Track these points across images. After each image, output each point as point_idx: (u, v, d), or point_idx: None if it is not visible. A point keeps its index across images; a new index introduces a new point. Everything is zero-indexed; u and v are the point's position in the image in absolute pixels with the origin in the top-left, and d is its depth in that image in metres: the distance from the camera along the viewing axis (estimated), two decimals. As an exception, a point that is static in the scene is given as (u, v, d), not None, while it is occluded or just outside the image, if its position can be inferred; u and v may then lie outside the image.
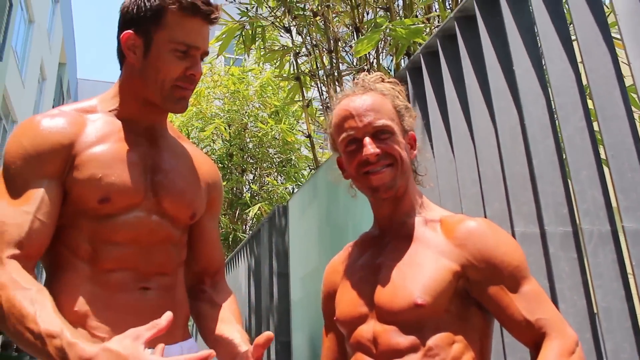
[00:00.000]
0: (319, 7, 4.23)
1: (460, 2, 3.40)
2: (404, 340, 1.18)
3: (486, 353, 1.24)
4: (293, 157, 9.71)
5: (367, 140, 1.26)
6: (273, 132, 9.35)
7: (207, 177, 1.58)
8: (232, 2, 4.78)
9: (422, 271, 1.21)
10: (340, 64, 4.36)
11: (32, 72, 16.88)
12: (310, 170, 9.44)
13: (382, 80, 1.38)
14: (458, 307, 1.21)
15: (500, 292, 1.18)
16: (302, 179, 9.72)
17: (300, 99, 4.73)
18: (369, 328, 1.24)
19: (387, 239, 1.33)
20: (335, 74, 4.29)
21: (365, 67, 4.16)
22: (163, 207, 1.42)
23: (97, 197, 1.32)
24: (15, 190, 1.29)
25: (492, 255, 1.19)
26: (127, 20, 1.39)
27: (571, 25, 1.71)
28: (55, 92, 21.32)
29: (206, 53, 1.42)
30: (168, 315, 1.17)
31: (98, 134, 1.38)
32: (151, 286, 1.39)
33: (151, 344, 1.33)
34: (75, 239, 1.35)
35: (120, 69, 1.46)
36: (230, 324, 1.47)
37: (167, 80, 1.37)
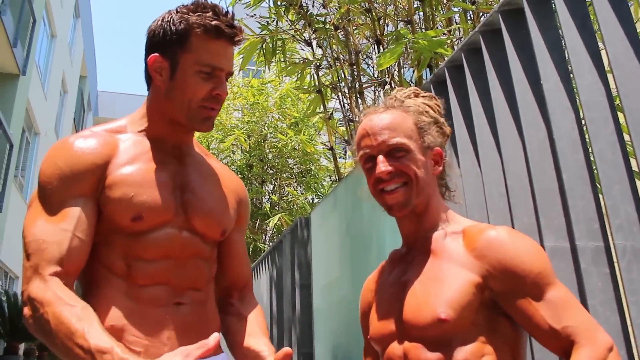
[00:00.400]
0: (340, 20, 4.25)
1: (483, 14, 3.40)
2: (431, 357, 1.18)
3: None
4: (313, 168, 9.72)
5: (380, 158, 1.29)
6: (292, 143, 9.39)
7: (235, 193, 1.61)
8: (252, 16, 4.82)
9: (444, 285, 1.21)
10: (362, 76, 4.38)
11: (54, 86, 17.12)
12: (332, 182, 9.45)
13: (416, 95, 1.39)
14: (486, 319, 1.20)
15: (524, 301, 1.17)
16: (322, 190, 9.73)
17: (322, 110, 4.75)
18: (399, 346, 1.24)
19: (413, 255, 1.35)
20: (357, 86, 4.30)
21: (387, 80, 4.17)
22: (193, 224, 1.45)
23: (130, 215, 1.36)
24: (52, 209, 1.33)
25: (512, 264, 1.18)
26: (153, 43, 1.44)
27: (600, 38, 1.70)
28: (76, 104, 21.60)
29: (230, 74, 1.46)
30: (215, 337, 1.21)
31: (129, 154, 1.42)
32: (184, 301, 1.42)
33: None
34: (109, 256, 1.38)
35: (148, 90, 1.51)
36: (257, 337, 1.50)
37: (194, 101, 1.41)
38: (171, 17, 1.41)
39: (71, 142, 1.40)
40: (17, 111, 12.12)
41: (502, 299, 1.19)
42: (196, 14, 1.39)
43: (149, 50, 1.45)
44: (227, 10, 1.44)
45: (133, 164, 1.41)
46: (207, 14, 1.39)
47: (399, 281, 1.33)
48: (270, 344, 1.50)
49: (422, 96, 1.40)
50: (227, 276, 1.61)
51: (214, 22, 1.39)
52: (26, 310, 1.26)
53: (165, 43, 1.41)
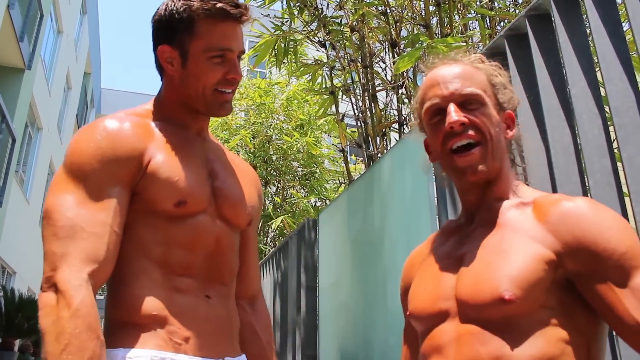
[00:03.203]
0: (356, 23, 4.25)
1: (501, 20, 3.40)
2: (491, 344, 0.98)
3: None
4: (317, 171, 9.73)
5: (451, 107, 1.11)
6: (297, 145, 9.39)
7: (254, 185, 1.59)
8: (266, 15, 4.82)
9: (509, 260, 1.02)
10: (375, 79, 4.38)
11: (59, 81, 17.13)
12: (340, 184, 9.44)
13: (482, 61, 1.23)
14: (558, 302, 1.01)
15: (605, 286, 0.97)
16: (325, 193, 9.73)
17: (335, 112, 4.75)
18: (451, 328, 1.05)
19: (474, 226, 1.16)
20: (370, 89, 4.31)
21: (400, 82, 4.17)
22: (223, 212, 1.43)
23: (175, 200, 1.33)
24: (90, 193, 1.26)
25: (592, 241, 0.98)
26: (160, 33, 1.41)
27: (629, 39, 1.71)
28: (80, 100, 21.61)
29: (242, 52, 1.43)
30: None
31: (164, 140, 1.39)
32: (212, 295, 1.40)
33: (218, 354, 1.35)
34: (147, 240, 1.33)
35: (161, 79, 1.49)
36: None
37: (208, 86, 1.38)
38: (174, 5, 1.38)
39: (112, 125, 1.34)
40: (20, 105, 12.11)
41: (578, 281, 1.00)
42: None
43: (156, 41, 1.42)
44: None
45: (170, 149, 1.38)
46: None
47: (454, 254, 1.15)
48: None
49: (491, 64, 1.24)
50: (240, 277, 1.57)
51: (218, 5, 1.36)
52: (49, 298, 1.15)
53: (172, 32, 1.38)
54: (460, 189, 1.21)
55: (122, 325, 1.30)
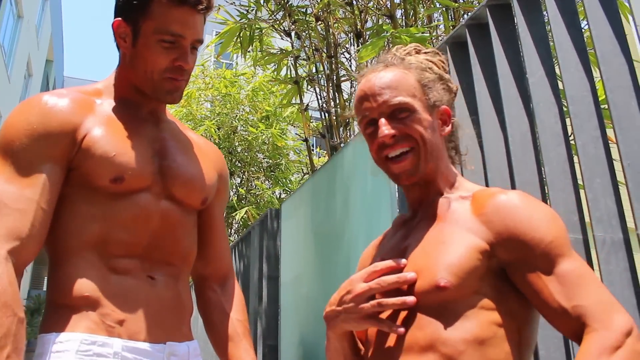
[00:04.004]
0: (321, 12, 4.24)
1: (465, 12, 3.43)
2: (422, 334, 1.04)
3: (526, 346, 1.07)
4: (283, 162, 9.69)
5: (381, 121, 1.16)
6: (263, 137, 9.34)
7: (215, 163, 1.55)
8: (232, 3, 4.78)
9: (446, 250, 1.07)
10: (340, 70, 4.38)
11: (19, 68, 16.72)
12: (304, 174, 9.43)
13: (417, 52, 1.26)
14: (492, 289, 1.06)
15: (532, 274, 1.03)
16: (290, 185, 9.71)
17: (298, 101, 4.74)
18: (394, 315, 1.11)
19: (417, 220, 1.22)
20: (334, 79, 4.30)
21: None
22: (172, 191, 1.39)
23: (111, 175, 1.29)
24: (18, 170, 1.22)
25: (522, 231, 1.04)
26: (118, 7, 1.37)
27: (586, 32, 1.73)
28: (42, 88, 21.14)
29: (199, 42, 1.37)
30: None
31: (106, 116, 1.35)
32: (156, 276, 1.35)
33: (159, 338, 1.31)
34: (84, 218, 1.29)
35: (119, 56, 1.44)
36: (239, 343, 1.48)
37: (155, 72, 1.34)
38: None
39: (46, 99, 1.30)
40: (-21, 91, 11.79)
41: (509, 270, 1.06)
42: None
43: (115, 13, 1.38)
44: None
45: (111, 126, 1.33)
46: None
47: (398, 247, 1.21)
48: (251, 352, 1.49)
49: (424, 52, 1.27)
50: (208, 259, 1.55)
51: None
52: None
53: (128, 8, 1.34)
54: (403, 188, 1.27)
55: (55, 308, 1.27)
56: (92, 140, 1.29)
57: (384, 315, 1.12)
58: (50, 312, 1.28)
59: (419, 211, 1.24)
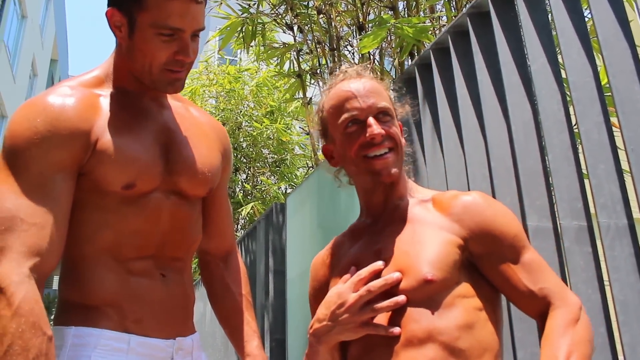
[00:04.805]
0: (323, 5, 4.23)
1: (467, 2, 3.41)
2: (418, 327, 1.12)
3: (500, 324, 1.21)
4: (288, 157, 9.69)
5: (371, 120, 1.24)
6: (267, 132, 9.34)
7: (219, 142, 1.51)
8: (234, -2, 4.76)
9: (425, 247, 1.18)
10: (343, 62, 4.36)
11: (24, 68, 16.77)
12: (308, 169, 9.42)
13: (373, 70, 1.38)
14: (470, 279, 1.18)
15: (502, 264, 1.17)
16: (295, 180, 9.71)
17: (301, 96, 4.72)
18: (382, 316, 1.17)
19: (381, 225, 1.29)
20: (337, 72, 4.28)
21: (368, 66, 4.15)
22: (179, 187, 1.37)
23: (122, 183, 1.26)
24: (29, 181, 1.16)
25: (491, 227, 1.19)
26: None
27: (589, 21, 1.72)
28: (47, 88, 21.17)
29: (200, 30, 1.30)
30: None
31: (113, 114, 1.30)
32: (167, 272, 1.36)
33: (170, 334, 1.33)
34: (97, 224, 1.28)
35: (115, 40, 1.37)
36: (241, 315, 1.52)
37: (155, 65, 1.28)
38: None
39: (51, 102, 1.22)
40: (-16, 92, 11.84)
41: (480, 262, 1.19)
42: None
43: (108, 2, 1.30)
44: None
45: (119, 126, 1.29)
46: None
47: (369, 251, 1.26)
48: (254, 325, 1.51)
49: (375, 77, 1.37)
50: (211, 235, 1.55)
51: None
52: None
53: None
54: (365, 191, 1.33)
55: (74, 305, 1.27)
56: (104, 145, 1.24)
57: (377, 319, 1.18)
58: (69, 308, 1.27)
59: (382, 216, 1.31)
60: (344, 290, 1.18)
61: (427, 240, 1.19)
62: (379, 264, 1.19)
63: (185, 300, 1.41)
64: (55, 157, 1.19)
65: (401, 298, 1.13)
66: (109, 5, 1.30)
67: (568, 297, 1.14)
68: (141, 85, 1.36)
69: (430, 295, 1.14)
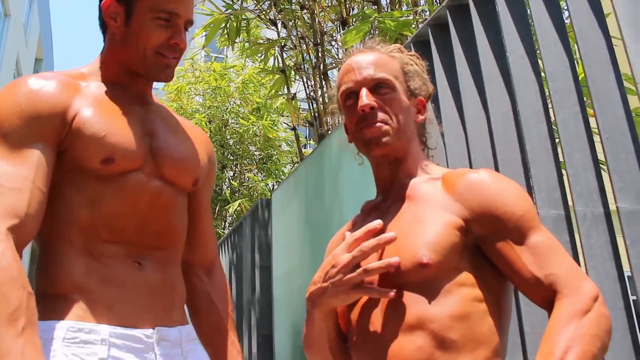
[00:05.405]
0: (306, 1, 4.23)
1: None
2: (409, 312, 1.06)
3: (505, 318, 1.11)
4: (274, 154, 9.68)
5: (363, 91, 1.19)
6: (254, 129, 9.32)
7: (204, 147, 1.53)
8: (217, -6, 4.75)
9: (424, 228, 1.10)
10: (326, 58, 4.37)
11: (8, 67, 16.61)
12: (294, 164, 9.43)
13: (401, 51, 1.30)
14: (470, 265, 1.09)
15: (506, 246, 1.07)
16: (282, 176, 9.70)
17: (285, 92, 4.72)
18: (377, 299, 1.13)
19: (388, 203, 1.24)
20: (321, 67, 4.29)
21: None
22: (162, 171, 1.37)
23: (101, 156, 1.27)
24: (9, 150, 1.20)
25: (494, 206, 1.09)
26: None
27: (566, 11, 1.74)
28: (31, 87, 20.98)
29: (190, 22, 1.39)
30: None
31: (94, 98, 1.33)
32: (144, 262, 1.33)
33: (147, 323, 1.30)
34: (73, 204, 1.28)
35: (103, 38, 1.43)
36: (225, 334, 1.49)
37: (149, 47, 1.33)
38: None
39: (32, 82, 1.28)
40: (-32, 91, 11.71)
41: (484, 244, 1.10)
42: None
43: None
44: None
45: (100, 106, 1.32)
46: None
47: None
48: (236, 343, 1.49)
49: (408, 54, 1.31)
50: (194, 245, 1.53)
51: None
52: None
53: None
54: (374, 165, 1.29)
55: (43, 297, 1.24)
56: (81, 121, 1.27)
57: (369, 300, 1.14)
58: (38, 300, 1.23)
59: (390, 194, 1.26)
60: (338, 251, 1.13)
61: (427, 220, 1.12)
62: (374, 223, 1.12)
63: (167, 290, 1.37)
64: (36, 128, 1.23)
65: (394, 259, 1.07)
66: None
67: (580, 286, 1.01)
68: (129, 79, 1.40)
69: (425, 279, 1.07)
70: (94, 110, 1.30)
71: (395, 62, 1.25)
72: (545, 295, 1.03)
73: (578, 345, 0.94)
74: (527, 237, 1.06)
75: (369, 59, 1.23)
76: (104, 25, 1.41)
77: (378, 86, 1.20)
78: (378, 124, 1.18)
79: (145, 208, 1.34)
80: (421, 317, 1.05)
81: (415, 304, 1.06)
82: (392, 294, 1.07)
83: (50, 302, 1.23)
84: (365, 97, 1.18)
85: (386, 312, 1.10)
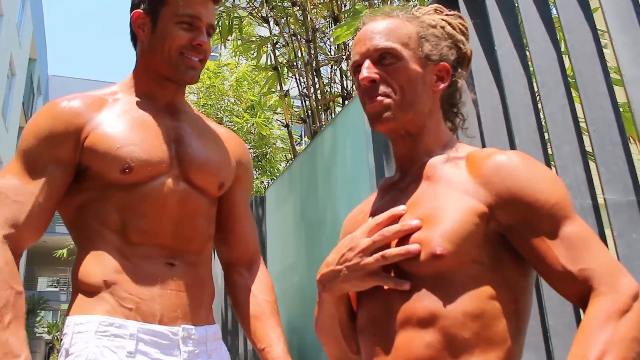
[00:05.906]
0: (298, -3, 4.23)
1: (439, -10, 3.42)
2: (420, 306, 0.99)
3: (523, 317, 1.02)
4: (269, 151, 9.68)
5: (365, 63, 1.10)
6: (248, 127, 9.31)
7: (234, 151, 1.60)
8: (209, -9, 4.74)
9: (442, 214, 1.00)
10: (319, 54, 4.37)
11: (1, 67, 16.56)
12: (287, 162, 9.43)
13: (437, 12, 1.19)
14: (490, 257, 1.00)
15: (535, 237, 0.97)
16: (277, 173, 9.69)
17: (278, 89, 4.73)
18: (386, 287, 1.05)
19: (407, 182, 1.14)
20: (314, 64, 4.30)
21: (344, 57, 4.17)
22: (189, 176, 1.45)
23: (118, 167, 1.36)
24: (23, 167, 1.36)
25: (524, 193, 0.98)
26: (136, 1, 1.49)
27: (553, 4, 1.74)
28: (26, 87, 20.96)
29: (212, 27, 1.49)
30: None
31: (116, 112, 1.44)
32: (176, 263, 1.41)
33: (174, 321, 1.35)
34: (104, 210, 1.38)
35: (135, 51, 1.54)
36: (265, 321, 1.52)
37: (173, 48, 1.43)
38: None
39: (57, 103, 1.42)
40: (-39, 92, 11.68)
41: (509, 234, 1.00)
42: None
43: (132, 7, 1.49)
44: None
45: (120, 120, 1.42)
46: None
47: (390, 208, 1.10)
48: (278, 329, 1.52)
49: (445, 14, 1.20)
50: (233, 246, 1.60)
51: None
52: None
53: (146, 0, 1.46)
54: (391, 142, 1.19)
55: (77, 293, 1.36)
56: (97, 137, 1.38)
57: (379, 289, 1.05)
58: (74, 296, 1.38)
59: (408, 172, 1.16)
60: (358, 234, 1.05)
61: (446, 205, 1.01)
62: (399, 208, 1.04)
63: (196, 290, 1.44)
64: (48, 149, 1.37)
65: (414, 247, 0.98)
66: (132, 9, 1.48)
67: (618, 282, 0.90)
68: (159, 88, 1.50)
69: (438, 272, 0.98)
70: (115, 124, 1.41)
71: (410, 26, 1.13)
72: (579, 291, 0.94)
73: (615, 350, 0.84)
74: (560, 228, 0.96)
75: (378, 28, 1.12)
76: (134, 39, 1.52)
77: (382, 57, 1.11)
78: (379, 98, 1.10)
79: (174, 212, 1.41)
80: (432, 312, 0.97)
81: (426, 297, 0.98)
82: (407, 286, 1.00)
83: (84, 298, 1.35)
84: (365, 70, 1.10)
85: (396, 302, 1.02)
